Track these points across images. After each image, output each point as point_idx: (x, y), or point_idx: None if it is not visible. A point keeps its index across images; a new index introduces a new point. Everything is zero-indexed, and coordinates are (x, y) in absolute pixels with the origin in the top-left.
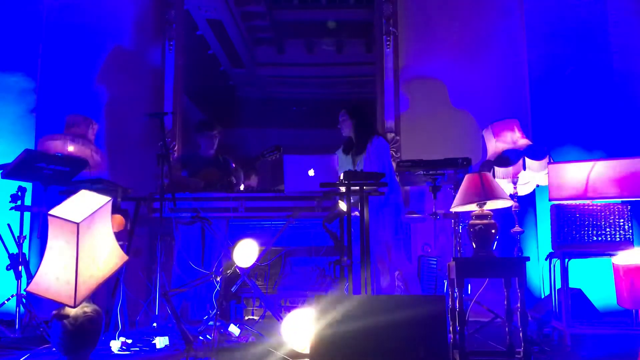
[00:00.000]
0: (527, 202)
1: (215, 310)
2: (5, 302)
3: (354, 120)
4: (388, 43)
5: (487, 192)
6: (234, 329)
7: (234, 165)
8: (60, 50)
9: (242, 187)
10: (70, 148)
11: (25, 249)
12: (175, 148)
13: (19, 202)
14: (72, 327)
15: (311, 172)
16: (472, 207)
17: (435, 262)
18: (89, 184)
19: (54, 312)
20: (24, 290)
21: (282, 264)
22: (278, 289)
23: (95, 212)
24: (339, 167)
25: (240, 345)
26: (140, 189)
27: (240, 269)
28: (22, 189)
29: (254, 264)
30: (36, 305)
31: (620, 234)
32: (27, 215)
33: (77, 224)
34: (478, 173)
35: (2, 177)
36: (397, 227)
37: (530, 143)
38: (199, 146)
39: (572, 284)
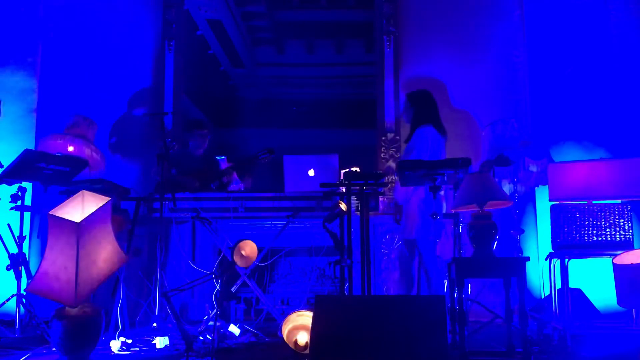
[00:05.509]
0: (527, 202)
1: (215, 310)
2: (5, 302)
3: (414, 108)
4: (388, 43)
5: (487, 192)
6: (234, 329)
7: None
8: (60, 50)
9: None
10: (70, 148)
11: (25, 249)
12: (175, 148)
13: (19, 202)
14: (72, 327)
15: (311, 172)
16: (472, 207)
17: None
18: (89, 184)
19: (54, 312)
20: (24, 290)
21: (282, 264)
22: (278, 289)
23: (95, 212)
24: None
25: (240, 345)
26: (140, 189)
27: (240, 269)
28: (22, 189)
29: (254, 264)
30: (36, 305)
31: (620, 234)
32: (27, 215)
33: (77, 224)
34: (478, 173)
35: (1, 178)
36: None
37: (530, 143)
38: (187, 145)
39: (572, 284)
